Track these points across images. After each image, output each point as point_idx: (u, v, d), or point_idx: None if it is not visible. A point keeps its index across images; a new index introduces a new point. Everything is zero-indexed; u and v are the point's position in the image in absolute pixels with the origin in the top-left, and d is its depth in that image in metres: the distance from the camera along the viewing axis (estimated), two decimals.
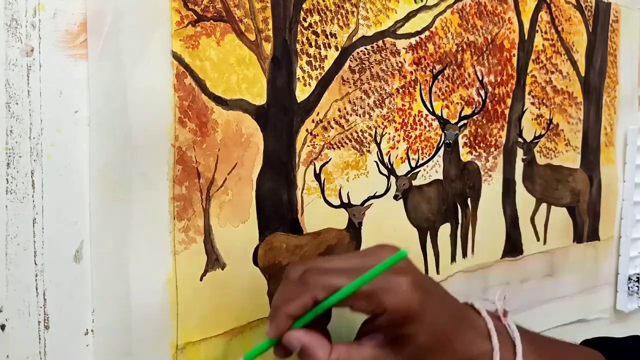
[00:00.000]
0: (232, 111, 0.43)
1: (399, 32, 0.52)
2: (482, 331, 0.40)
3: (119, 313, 0.39)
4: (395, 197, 0.54)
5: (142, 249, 0.39)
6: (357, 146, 0.50)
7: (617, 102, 0.76)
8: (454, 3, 0.56)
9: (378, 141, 0.52)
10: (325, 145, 0.48)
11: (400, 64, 0.53)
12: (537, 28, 0.64)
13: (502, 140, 0.63)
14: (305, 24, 0.46)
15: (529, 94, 0.65)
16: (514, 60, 0.63)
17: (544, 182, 0.68)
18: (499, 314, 0.43)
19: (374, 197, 0.52)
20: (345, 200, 0.50)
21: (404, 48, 0.53)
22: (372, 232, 0.52)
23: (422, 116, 0.55)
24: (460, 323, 0.40)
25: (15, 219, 0.35)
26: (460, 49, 0.57)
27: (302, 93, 0.47)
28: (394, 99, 0.53)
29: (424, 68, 0.54)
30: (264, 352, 0.38)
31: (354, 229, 0.51)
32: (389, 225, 0.53)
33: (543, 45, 0.65)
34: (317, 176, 0.48)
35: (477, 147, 0.60)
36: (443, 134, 0.57)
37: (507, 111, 0.63)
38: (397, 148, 0.53)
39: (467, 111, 0.59)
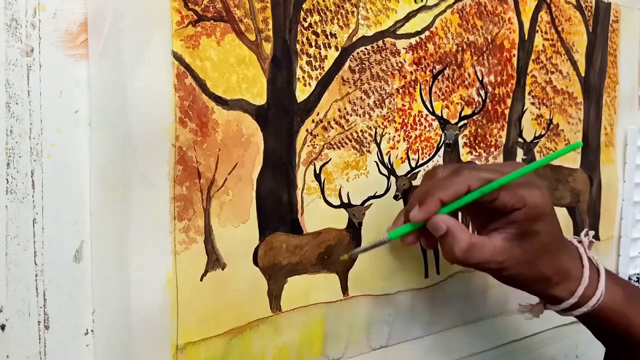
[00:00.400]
0: (232, 111, 0.43)
1: (399, 32, 0.52)
2: (575, 254, 0.48)
3: (119, 313, 0.39)
4: (395, 197, 0.54)
5: (142, 249, 0.39)
6: (357, 146, 0.50)
7: (617, 102, 0.76)
8: (454, 3, 0.56)
9: (378, 141, 0.52)
10: (325, 145, 0.48)
11: (400, 64, 0.53)
12: (537, 28, 0.64)
13: (502, 141, 0.63)
14: (305, 24, 0.46)
15: (529, 94, 0.65)
16: (514, 60, 0.63)
17: None
18: (585, 246, 0.50)
19: (374, 197, 0.52)
20: (345, 200, 0.50)
21: (404, 48, 0.53)
22: (372, 232, 0.52)
23: (422, 116, 0.55)
24: (562, 243, 0.47)
25: (15, 219, 0.35)
26: (460, 49, 0.57)
27: (302, 93, 0.47)
28: (394, 99, 0.53)
29: (424, 68, 0.54)
30: (406, 233, 0.44)
31: (354, 229, 0.51)
32: (389, 225, 0.53)
33: (543, 45, 0.65)
34: (317, 176, 0.48)
35: (477, 147, 0.60)
36: (443, 134, 0.57)
37: (507, 111, 0.63)
38: (397, 148, 0.53)
39: (467, 111, 0.59)
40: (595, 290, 0.47)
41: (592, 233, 0.52)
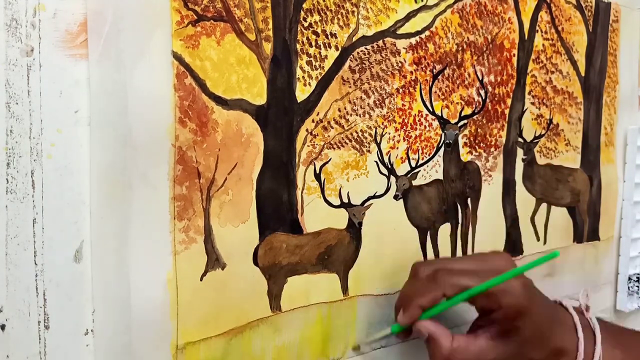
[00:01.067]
0: (232, 111, 0.43)
1: (399, 32, 0.52)
2: (570, 325, 0.48)
3: (119, 313, 0.39)
4: (395, 197, 0.54)
5: (142, 249, 0.39)
6: (357, 146, 0.50)
7: (617, 102, 0.76)
8: (454, 3, 0.56)
9: (378, 141, 0.52)
10: (325, 145, 0.48)
11: (400, 64, 0.53)
12: (537, 28, 0.64)
13: (502, 140, 0.63)
14: (306, 24, 0.46)
15: (529, 93, 0.65)
16: (514, 60, 0.63)
17: (544, 182, 0.68)
18: (582, 309, 0.51)
19: (374, 197, 0.52)
20: (345, 200, 0.50)
21: (404, 48, 0.53)
22: (372, 232, 0.52)
23: (422, 116, 0.55)
24: (554, 319, 0.48)
25: (15, 219, 0.35)
26: (460, 48, 0.57)
27: (302, 93, 0.47)
28: (394, 99, 0.53)
29: (424, 68, 0.54)
30: (390, 336, 0.48)
31: (354, 229, 0.51)
32: (389, 225, 0.53)
33: (543, 45, 0.65)
34: (317, 176, 0.48)
35: (477, 147, 0.60)
36: (443, 133, 0.57)
37: (507, 111, 0.63)
38: (397, 148, 0.53)
39: (467, 111, 0.59)
40: (592, 359, 0.48)
41: (589, 296, 0.52)
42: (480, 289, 0.44)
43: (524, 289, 0.45)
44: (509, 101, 0.63)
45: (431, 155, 0.56)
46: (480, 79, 0.59)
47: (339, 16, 0.48)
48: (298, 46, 0.46)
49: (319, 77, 0.47)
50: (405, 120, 0.54)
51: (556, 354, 0.47)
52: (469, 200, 0.60)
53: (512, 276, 0.44)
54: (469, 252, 0.61)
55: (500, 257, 0.48)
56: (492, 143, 0.62)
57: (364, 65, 0.50)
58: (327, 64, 0.48)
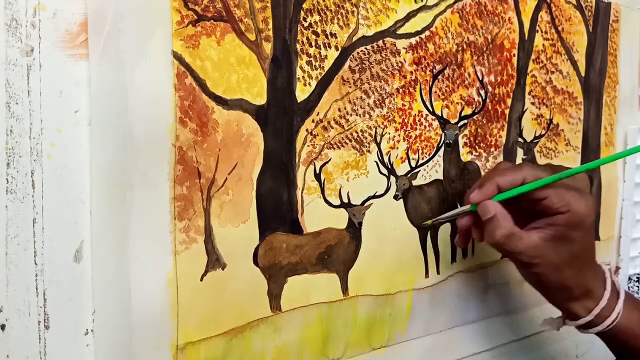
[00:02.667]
0: (232, 111, 0.43)
1: (399, 32, 0.52)
2: (601, 276, 0.51)
3: (119, 313, 0.39)
4: (396, 197, 0.54)
5: (142, 249, 0.39)
6: (357, 146, 0.50)
7: (617, 102, 0.76)
8: (454, 3, 0.56)
9: (378, 141, 0.52)
10: (325, 145, 0.48)
11: (400, 64, 0.53)
12: (537, 28, 0.64)
13: (502, 140, 0.63)
14: (305, 24, 0.46)
15: (529, 93, 0.65)
16: (514, 60, 0.63)
17: None
18: (611, 270, 0.53)
19: (374, 197, 0.52)
20: (345, 200, 0.50)
21: (404, 48, 0.53)
22: (372, 232, 0.52)
23: (422, 116, 0.55)
24: (594, 263, 0.51)
25: (15, 219, 0.35)
26: (460, 48, 0.57)
27: (302, 93, 0.47)
28: (394, 99, 0.53)
29: (424, 68, 0.54)
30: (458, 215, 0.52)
31: (354, 228, 0.51)
32: (389, 225, 0.53)
33: (543, 45, 0.65)
34: (317, 176, 0.48)
35: (477, 147, 0.60)
36: (443, 134, 0.57)
37: (507, 111, 0.63)
38: (397, 148, 0.53)
39: (467, 111, 0.59)
40: (612, 311, 0.50)
41: (621, 261, 0.57)
42: (554, 178, 0.46)
43: (594, 206, 0.48)
44: (509, 101, 0.63)
45: (431, 155, 0.56)
46: (480, 79, 0.59)
47: (339, 16, 0.48)
48: (298, 46, 0.46)
49: (319, 77, 0.47)
50: (405, 120, 0.54)
51: (584, 291, 0.50)
52: None
53: (593, 167, 0.48)
54: (469, 252, 0.61)
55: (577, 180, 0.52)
56: (492, 143, 0.62)
57: (364, 65, 0.50)
58: (327, 64, 0.48)
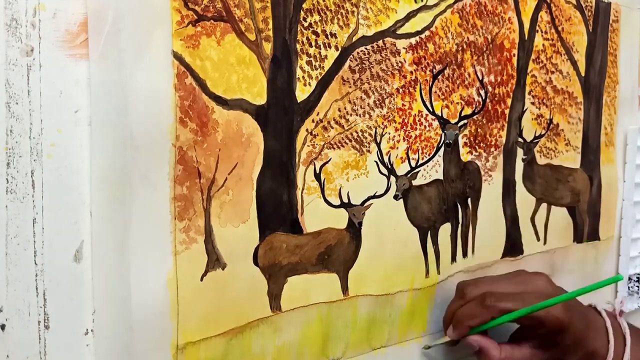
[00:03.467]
0: (232, 111, 0.43)
1: (399, 32, 0.52)
2: (602, 329, 0.53)
3: (120, 313, 0.39)
4: (396, 197, 0.54)
5: (142, 249, 0.39)
6: (357, 146, 0.50)
7: (617, 102, 0.76)
8: (454, 3, 0.56)
9: (378, 141, 0.52)
10: (325, 145, 0.48)
11: (400, 64, 0.53)
12: (537, 28, 0.64)
13: (502, 140, 0.63)
14: (305, 24, 0.46)
15: (529, 93, 0.65)
16: (514, 60, 0.63)
17: (544, 182, 0.68)
18: (615, 313, 0.56)
19: (374, 197, 0.52)
20: (345, 200, 0.50)
21: (404, 48, 0.53)
22: (372, 232, 0.52)
23: (422, 116, 0.55)
24: (589, 325, 0.52)
25: (15, 219, 0.35)
26: (460, 48, 0.57)
27: (302, 93, 0.47)
28: (394, 99, 0.53)
29: (424, 68, 0.54)
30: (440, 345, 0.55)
31: (354, 228, 0.51)
32: (389, 225, 0.53)
33: (543, 45, 0.65)
34: (317, 176, 0.48)
35: (477, 147, 0.60)
36: (443, 133, 0.57)
37: (507, 111, 0.63)
38: (397, 148, 0.53)
39: (467, 111, 0.59)
40: (621, 359, 0.53)
41: (624, 302, 0.58)
42: (524, 312, 0.49)
43: (564, 308, 0.50)
44: (509, 101, 0.63)
45: (431, 155, 0.56)
46: (480, 79, 0.59)
47: (339, 16, 0.48)
48: (298, 46, 0.46)
49: (319, 77, 0.47)
50: (405, 120, 0.54)
51: (588, 356, 0.52)
52: (469, 200, 0.60)
53: (554, 303, 0.49)
54: (469, 252, 0.61)
55: (539, 278, 0.54)
56: (492, 143, 0.62)
57: (364, 65, 0.50)
58: (327, 64, 0.48)
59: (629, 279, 0.79)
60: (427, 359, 0.58)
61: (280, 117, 0.45)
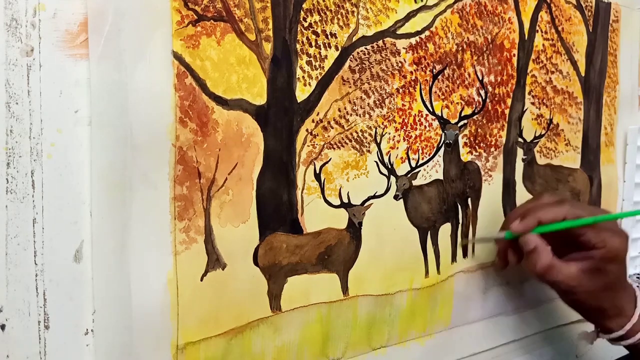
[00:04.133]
0: (232, 111, 0.43)
1: (399, 32, 0.52)
2: (632, 295, 0.56)
3: (120, 313, 0.39)
4: (396, 197, 0.54)
5: (142, 249, 0.39)
6: (357, 146, 0.50)
7: (617, 102, 0.76)
8: (454, 3, 0.56)
9: (378, 141, 0.52)
10: (325, 145, 0.48)
11: (400, 64, 0.53)
12: (537, 28, 0.64)
13: (502, 140, 0.63)
14: (305, 24, 0.46)
15: (529, 93, 0.65)
16: (514, 60, 0.63)
17: (544, 182, 0.68)
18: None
19: (374, 197, 0.52)
20: (345, 200, 0.50)
21: (404, 48, 0.53)
22: (372, 232, 0.52)
23: (422, 116, 0.55)
24: (626, 284, 0.56)
25: (15, 219, 0.35)
26: (460, 49, 0.57)
27: (302, 93, 0.47)
28: (394, 99, 0.53)
29: (424, 68, 0.54)
30: (496, 240, 0.57)
31: (354, 228, 0.51)
32: (389, 225, 0.53)
33: (543, 45, 0.65)
34: (317, 176, 0.48)
35: (477, 147, 0.60)
36: (443, 134, 0.57)
37: (507, 111, 0.63)
38: (397, 148, 0.53)
39: (467, 111, 0.59)
40: None
41: None
42: (596, 219, 0.51)
43: (627, 242, 0.53)
44: (509, 101, 0.63)
45: (431, 155, 0.56)
46: (480, 79, 0.59)
47: (339, 16, 0.48)
48: (298, 46, 0.46)
49: (319, 77, 0.47)
50: (405, 120, 0.54)
51: (617, 310, 0.55)
52: (469, 200, 0.60)
53: (626, 216, 0.53)
54: (470, 252, 0.61)
55: (605, 210, 0.56)
56: (492, 143, 0.62)
57: (364, 65, 0.50)
58: (327, 64, 0.48)
59: (629, 278, 0.79)
60: (429, 355, 0.58)
61: (280, 117, 0.45)
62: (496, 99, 0.61)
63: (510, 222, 0.54)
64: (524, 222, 0.53)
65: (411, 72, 0.54)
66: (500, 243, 0.56)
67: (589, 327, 0.58)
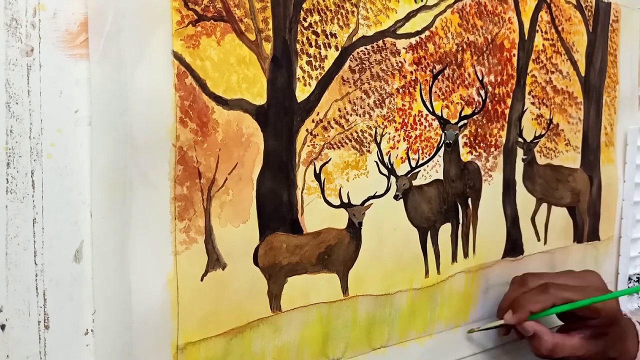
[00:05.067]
0: (232, 111, 0.43)
1: (399, 32, 0.52)
2: (633, 332, 0.60)
3: (120, 313, 0.39)
4: (396, 197, 0.54)
5: (142, 249, 0.39)
6: (357, 146, 0.50)
7: (617, 102, 0.76)
8: (454, 3, 0.56)
9: (378, 141, 0.52)
10: (325, 145, 0.48)
11: (400, 64, 0.53)
12: (537, 28, 0.64)
13: (502, 140, 0.63)
14: (305, 24, 0.46)
15: (529, 93, 0.65)
16: (514, 60, 0.63)
17: (544, 182, 0.68)
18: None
19: (374, 197, 0.52)
20: (345, 200, 0.50)
21: (404, 48, 0.53)
22: (372, 232, 0.52)
23: (422, 116, 0.55)
24: (627, 327, 0.59)
25: (15, 219, 0.35)
26: (460, 48, 0.57)
27: (302, 93, 0.46)
28: (394, 99, 0.53)
29: (424, 68, 0.54)
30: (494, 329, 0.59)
31: (354, 228, 0.51)
32: (389, 225, 0.53)
33: (543, 45, 0.65)
34: (317, 176, 0.48)
35: (477, 147, 0.60)
36: (443, 134, 0.57)
37: (507, 111, 0.63)
38: (397, 148, 0.53)
39: (467, 111, 0.59)
40: None
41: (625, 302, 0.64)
42: (585, 302, 0.54)
43: (617, 303, 0.56)
44: (509, 101, 0.63)
45: (431, 155, 0.56)
46: (480, 79, 0.59)
47: (339, 16, 0.48)
48: (298, 46, 0.46)
49: (319, 77, 0.47)
50: (405, 120, 0.54)
51: (623, 354, 0.58)
52: (469, 200, 0.60)
53: (612, 297, 0.55)
54: (470, 252, 0.61)
55: (593, 275, 0.59)
56: (492, 143, 0.62)
57: (364, 65, 0.50)
58: (327, 64, 0.48)
59: (629, 279, 0.79)
60: (429, 355, 0.58)
61: (280, 117, 0.45)
62: (496, 99, 0.61)
63: (503, 314, 0.57)
64: (516, 315, 0.55)
65: (411, 72, 0.54)
66: (501, 330, 0.60)
67: None
